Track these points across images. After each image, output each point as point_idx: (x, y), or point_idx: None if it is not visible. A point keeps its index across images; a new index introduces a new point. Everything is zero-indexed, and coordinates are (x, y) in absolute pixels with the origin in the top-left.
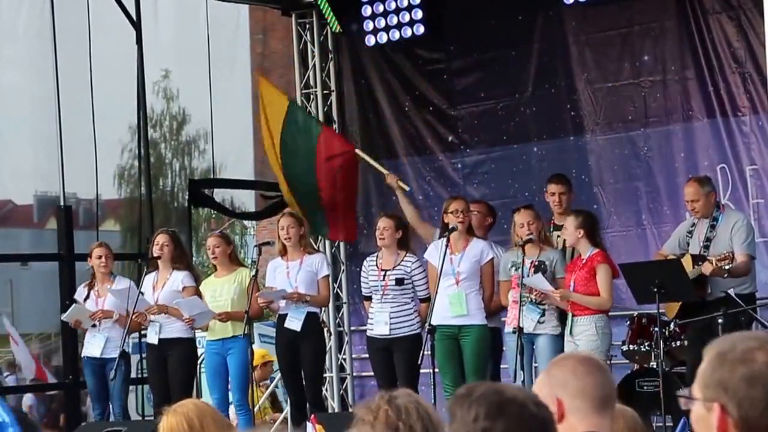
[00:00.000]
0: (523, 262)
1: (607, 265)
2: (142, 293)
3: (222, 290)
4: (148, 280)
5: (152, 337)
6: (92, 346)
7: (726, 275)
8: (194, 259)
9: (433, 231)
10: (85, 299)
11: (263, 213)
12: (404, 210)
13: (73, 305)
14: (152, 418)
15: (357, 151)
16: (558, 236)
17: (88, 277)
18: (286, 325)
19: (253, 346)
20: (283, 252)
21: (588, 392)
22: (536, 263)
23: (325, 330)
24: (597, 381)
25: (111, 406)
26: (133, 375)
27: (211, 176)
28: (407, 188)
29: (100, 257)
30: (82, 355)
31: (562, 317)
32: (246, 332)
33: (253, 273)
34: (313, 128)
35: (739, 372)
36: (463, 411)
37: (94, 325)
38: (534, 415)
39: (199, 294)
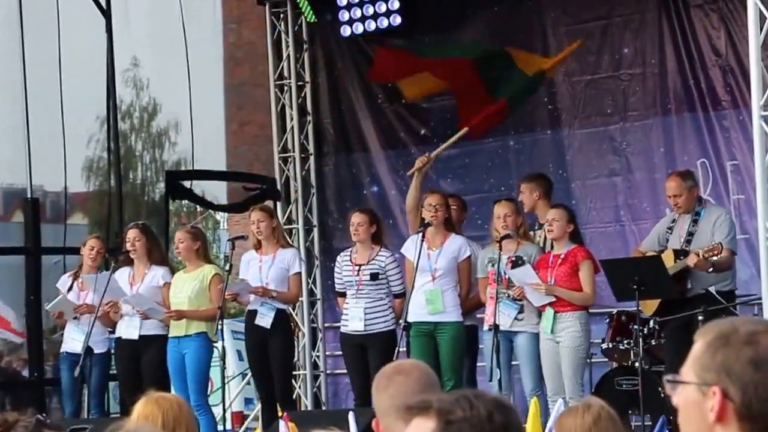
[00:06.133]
0: (499, 258)
1: (590, 261)
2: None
3: (183, 287)
4: (124, 274)
5: (131, 333)
6: (73, 342)
7: (711, 269)
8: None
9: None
10: (69, 289)
11: (242, 205)
12: (410, 194)
13: (60, 296)
14: (119, 415)
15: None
16: (540, 234)
17: (62, 269)
18: (256, 321)
19: (225, 343)
20: (258, 246)
21: None
22: (513, 258)
23: (296, 328)
24: None
25: (87, 403)
26: None
27: (184, 168)
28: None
29: (92, 249)
30: (61, 351)
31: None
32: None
33: (227, 268)
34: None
35: (745, 354)
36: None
37: (75, 318)
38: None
39: None
